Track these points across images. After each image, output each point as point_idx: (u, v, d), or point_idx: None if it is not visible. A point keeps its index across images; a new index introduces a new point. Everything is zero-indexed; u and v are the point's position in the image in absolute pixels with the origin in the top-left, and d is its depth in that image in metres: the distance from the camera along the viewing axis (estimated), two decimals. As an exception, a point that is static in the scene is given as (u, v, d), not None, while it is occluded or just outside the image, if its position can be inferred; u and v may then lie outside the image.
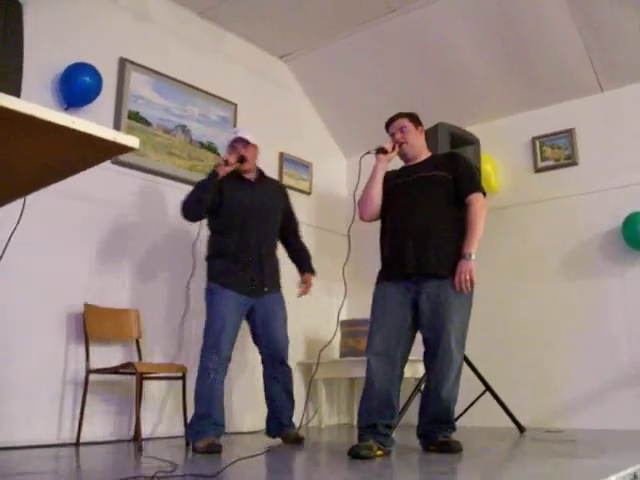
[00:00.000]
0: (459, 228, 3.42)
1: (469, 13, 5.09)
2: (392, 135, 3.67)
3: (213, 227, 4.03)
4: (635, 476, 2.38)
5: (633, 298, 4.87)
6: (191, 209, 3.89)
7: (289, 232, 4.25)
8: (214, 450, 3.46)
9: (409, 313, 3.37)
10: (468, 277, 3.25)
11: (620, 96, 5.23)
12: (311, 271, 4.27)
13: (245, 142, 4.02)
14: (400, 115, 3.69)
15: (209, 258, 3.99)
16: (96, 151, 1.47)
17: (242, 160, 3.94)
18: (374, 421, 3.22)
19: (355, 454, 3.04)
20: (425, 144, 3.73)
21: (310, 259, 4.30)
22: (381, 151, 3.56)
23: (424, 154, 3.67)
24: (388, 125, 3.72)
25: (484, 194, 3.50)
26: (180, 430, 4.05)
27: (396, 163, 3.70)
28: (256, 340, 4.01)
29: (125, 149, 1.43)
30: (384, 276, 3.50)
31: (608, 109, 5.27)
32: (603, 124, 5.28)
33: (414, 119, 3.69)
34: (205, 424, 3.62)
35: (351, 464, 2.91)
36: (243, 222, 3.91)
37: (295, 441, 3.90)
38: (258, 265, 3.89)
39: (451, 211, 3.45)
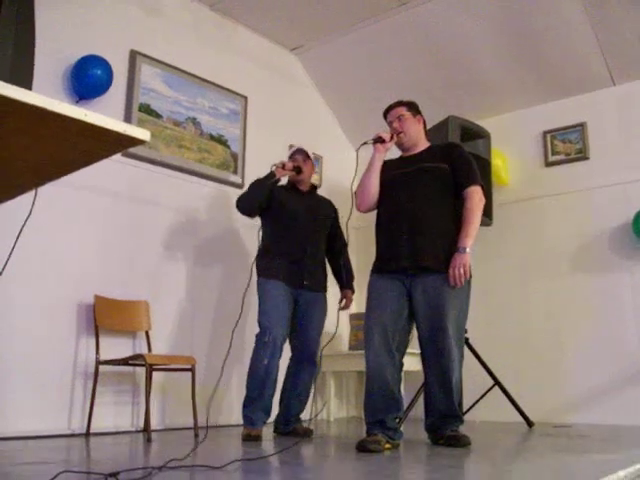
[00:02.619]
0: (456, 221, 3.38)
1: (480, 6, 5.06)
2: (390, 123, 3.63)
3: (264, 228, 4.21)
4: (644, 471, 2.38)
5: (643, 293, 4.86)
6: (245, 204, 4.12)
7: (335, 251, 4.38)
8: (252, 439, 3.70)
9: (405, 305, 3.35)
10: (462, 271, 3.21)
11: (633, 90, 5.20)
12: (350, 288, 4.41)
13: (305, 155, 4.26)
14: (398, 103, 3.65)
15: (258, 255, 4.16)
16: (108, 144, 1.48)
17: (298, 170, 4.18)
18: (381, 416, 3.23)
19: (363, 448, 3.04)
20: (423, 133, 3.67)
21: (352, 278, 4.44)
22: (379, 140, 3.52)
23: (422, 144, 3.63)
24: (386, 113, 3.68)
25: (482, 187, 3.45)
26: (189, 421, 4.06)
27: (395, 152, 3.67)
28: (290, 333, 4.09)
29: (136, 142, 1.44)
30: (378, 269, 3.48)
31: (620, 103, 5.24)
32: (615, 118, 5.25)
33: (412, 108, 3.64)
34: (254, 409, 3.82)
35: (360, 457, 2.91)
36: (290, 224, 4.10)
37: (304, 434, 3.93)
38: (301, 261, 4.06)
39: (448, 203, 3.42)
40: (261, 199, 4.07)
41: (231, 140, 5.27)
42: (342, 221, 4.17)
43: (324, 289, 4.22)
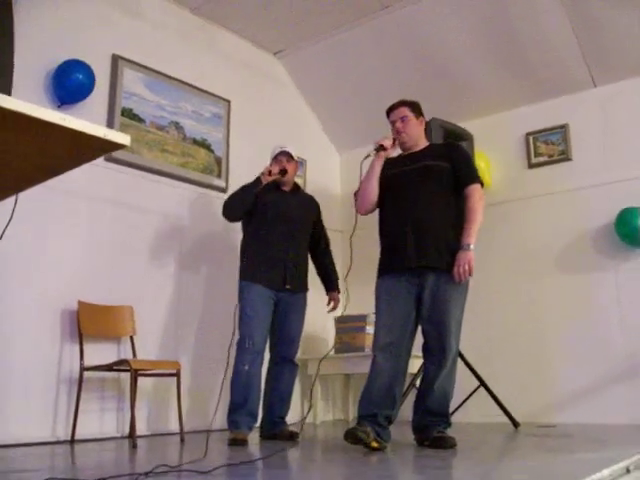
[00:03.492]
0: (458, 219, 3.42)
1: (462, 9, 5.08)
2: (392, 123, 3.64)
3: (246, 229, 4.24)
4: (628, 470, 2.39)
5: (626, 292, 4.89)
6: (231, 210, 4.16)
7: (319, 248, 4.42)
8: (239, 443, 3.68)
9: (413, 307, 3.39)
10: (467, 267, 3.26)
11: (613, 91, 5.24)
12: (336, 289, 4.44)
13: (289, 156, 4.27)
14: (402, 103, 3.66)
15: (241, 258, 4.18)
16: (88, 148, 1.47)
17: (284, 173, 4.19)
18: (375, 411, 3.25)
19: (351, 435, 3.06)
20: (424, 134, 3.71)
21: (337, 278, 4.47)
22: (381, 149, 3.54)
23: (422, 143, 3.66)
24: (389, 112, 3.68)
25: (482, 184, 3.50)
26: (175, 427, 4.05)
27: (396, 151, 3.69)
28: (270, 334, 4.12)
29: (116, 146, 1.43)
30: (385, 269, 3.50)
31: (601, 104, 5.28)
32: (597, 119, 5.28)
33: (416, 109, 3.66)
34: (240, 414, 3.85)
35: (346, 460, 2.91)
36: (273, 226, 4.11)
37: (289, 437, 3.92)
38: (283, 263, 4.08)
39: (450, 201, 3.46)
40: (247, 206, 4.10)
41: (214, 144, 5.26)
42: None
43: (305, 289, 4.25)
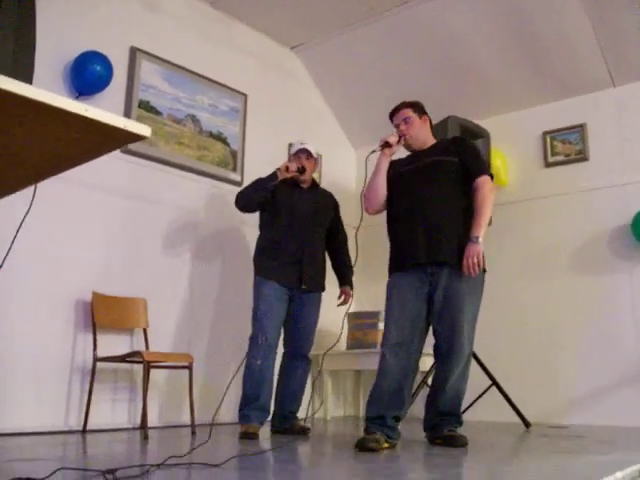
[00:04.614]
0: (469, 213, 3.37)
1: (481, 6, 5.05)
2: (397, 126, 3.62)
3: (262, 225, 4.24)
4: (641, 473, 2.38)
5: (642, 295, 4.86)
6: (244, 201, 4.12)
7: (335, 245, 4.40)
8: (249, 437, 3.68)
9: (424, 305, 3.35)
10: (476, 260, 3.20)
11: (633, 92, 5.20)
12: (350, 285, 4.39)
13: (308, 154, 4.25)
14: (404, 105, 3.64)
15: (255, 254, 4.19)
16: (108, 139, 1.47)
17: (302, 170, 4.16)
18: (382, 412, 3.22)
19: (362, 447, 3.04)
20: (430, 132, 3.67)
21: (351, 274, 4.40)
22: (386, 145, 3.51)
23: (430, 142, 3.63)
24: (392, 115, 3.67)
25: (491, 177, 3.46)
26: (187, 419, 4.06)
27: (403, 151, 3.67)
28: (284, 330, 4.14)
29: (136, 137, 1.44)
30: (397, 266, 3.47)
31: (620, 105, 5.24)
32: (615, 120, 5.24)
33: (418, 109, 3.63)
34: (251, 409, 3.85)
35: (357, 456, 2.91)
36: (289, 223, 4.10)
37: (301, 432, 3.93)
38: (298, 263, 4.05)
39: (459, 196, 3.41)
40: (260, 200, 4.09)
41: (230, 138, 5.26)
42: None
43: (322, 289, 4.23)
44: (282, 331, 4.10)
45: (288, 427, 4.02)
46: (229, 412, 4.57)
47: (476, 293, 3.36)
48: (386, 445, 3.13)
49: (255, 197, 4.09)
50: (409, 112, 3.60)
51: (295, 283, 4.04)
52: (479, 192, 3.37)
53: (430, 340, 3.43)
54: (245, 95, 5.46)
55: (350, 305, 4.19)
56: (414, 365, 3.35)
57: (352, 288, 4.41)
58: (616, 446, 3.49)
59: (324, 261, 4.30)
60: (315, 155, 4.33)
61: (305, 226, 4.13)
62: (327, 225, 4.31)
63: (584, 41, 5.02)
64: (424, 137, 3.61)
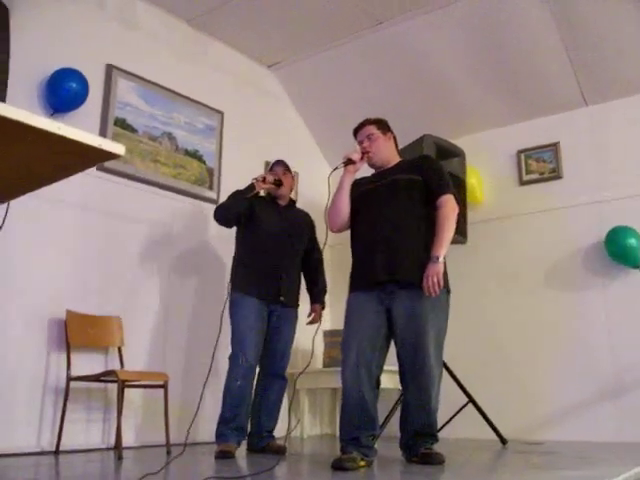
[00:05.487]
0: (430, 232, 3.33)
1: (455, 27, 5.12)
2: (360, 143, 3.61)
3: (239, 241, 4.20)
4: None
5: (615, 311, 4.91)
6: (223, 213, 4.10)
7: (311, 265, 4.37)
8: (225, 456, 3.63)
9: (384, 323, 3.31)
10: (435, 280, 3.14)
11: (605, 111, 5.28)
12: (321, 303, 4.38)
13: (285, 167, 4.24)
14: (368, 122, 3.63)
15: (233, 268, 4.12)
16: (82, 157, 1.47)
17: (279, 183, 4.13)
18: (357, 434, 3.20)
19: (339, 466, 3.01)
20: (395, 150, 3.65)
21: (324, 294, 4.42)
22: (349, 163, 3.49)
23: (394, 159, 3.61)
24: (356, 132, 3.65)
25: (455, 196, 3.42)
26: (162, 438, 4.02)
27: (369, 170, 3.66)
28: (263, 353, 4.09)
29: (110, 156, 1.43)
30: (356, 284, 3.45)
31: (593, 123, 5.32)
32: (588, 138, 5.32)
33: (382, 126, 3.62)
34: (229, 428, 3.81)
35: (334, 476, 2.89)
36: (267, 240, 4.08)
37: (277, 451, 3.90)
38: (277, 277, 4.04)
39: (421, 215, 3.38)
40: (239, 211, 4.05)
41: (207, 155, 5.26)
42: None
43: (297, 304, 4.22)
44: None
45: (265, 446, 3.99)
46: (206, 431, 4.53)
47: (439, 313, 3.29)
48: (363, 464, 3.11)
49: (234, 209, 4.05)
50: (373, 129, 3.58)
51: (274, 296, 4.01)
52: (440, 211, 3.34)
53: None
54: (221, 113, 5.47)
55: (319, 325, 4.08)
56: (376, 382, 3.32)
57: (323, 307, 4.40)
58: (590, 462, 3.50)
59: (299, 278, 4.28)
60: (292, 171, 4.31)
61: (283, 242, 4.11)
62: (304, 244, 4.30)
63: (556, 61, 5.10)
64: (388, 154, 3.59)
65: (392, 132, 3.67)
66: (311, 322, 4.32)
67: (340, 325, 5.37)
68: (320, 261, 4.40)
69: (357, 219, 3.52)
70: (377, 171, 3.63)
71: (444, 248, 3.24)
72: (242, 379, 3.82)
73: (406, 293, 3.25)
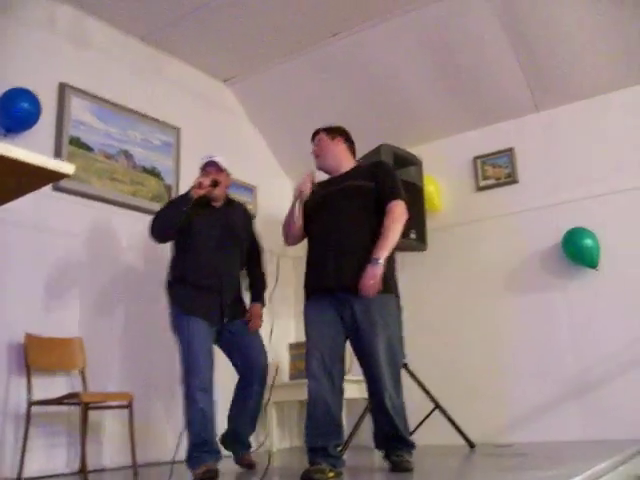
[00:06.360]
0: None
1: (409, 36, 5.18)
2: (313, 151, 3.70)
3: (175, 251, 3.97)
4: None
5: (576, 311, 4.98)
6: (160, 230, 3.85)
7: (250, 259, 4.16)
8: (211, 476, 3.45)
9: (341, 330, 3.34)
10: (372, 282, 3.17)
11: (555, 116, 5.39)
12: (259, 301, 4.11)
13: (217, 167, 3.98)
14: (317, 131, 3.73)
15: (170, 283, 3.92)
16: (32, 178, 1.45)
17: (215, 184, 3.88)
18: (324, 444, 3.20)
19: (308, 478, 3.01)
20: (346, 154, 3.67)
21: (263, 289, 4.16)
22: (300, 195, 3.51)
23: (347, 164, 3.64)
24: (312, 142, 3.75)
25: (406, 202, 3.44)
26: (128, 460, 3.96)
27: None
28: (233, 363, 3.96)
29: (61, 176, 1.42)
30: (309, 292, 3.47)
31: (545, 128, 5.42)
32: (540, 143, 5.42)
33: (331, 131, 3.69)
34: (203, 452, 3.58)
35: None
36: (204, 249, 3.84)
37: (248, 466, 3.86)
38: (218, 295, 3.82)
39: (372, 221, 3.38)
40: (177, 225, 3.79)
41: (164, 172, 5.23)
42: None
43: (244, 315, 4.00)
44: (232, 364, 3.94)
45: (238, 457, 3.94)
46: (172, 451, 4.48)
47: (388, 318, 3.31)
48: (332, 475, 3.10)
49: (170, 223, 3.80)
50: (321, 135, 3.68)
51: (216, 317, 3.80)
52: (388, 216, 3.35)
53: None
54: (178, 129, 5.44)
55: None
56: (339, 389, 3.33)
57: (264, 305, 4.11)
58: (558, 461, 3.55)
59: (240, 286, 4.07)
60: (224, 168, 4.03)
61: (221, 248, 3.87)
62: (245, 242, 4.09)
63: (508, 69, 5.19)
64: (336, 158, 3.64)
65: (345, 137, 3.71)
66: (251, 327, 4.00)
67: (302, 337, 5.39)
68: (259, 253, 4.23)
69: (311, 227, 3.56)
70: (331, 176, 3.66)
71: (385, 251, 3.24)
72: (203, 403, 3.62)
73: (355, 299, 3.27)
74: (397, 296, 3.42)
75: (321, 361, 3.27)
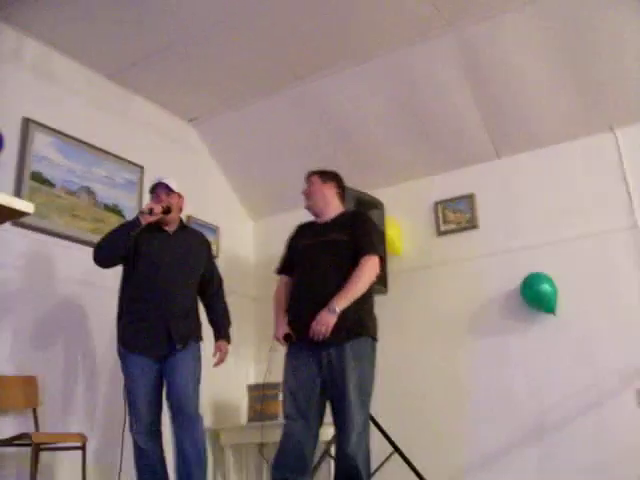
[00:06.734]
0: None
1: (373, 82, 5.28)
2: (303, 191, 3.80)
3: (122, 281, 3.83)
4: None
5: (533, 356, 5.02)
6: (102, 255, 3.73)
7: (210, 293, 4.02)
8: None
9: (318, 377, 3.39)
10: (323, 328, 3.26)
11: (515, 163, 5.50)
12: (225, 338, 3.99)
13: (168, 189, 3.84)
14: (312, 172, 3.83)
15: (118, 316, 3.79)
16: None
17: (168, 211, 3.75)
18: (287, 476, 3.23)
19: None
20: (334, 200, 3.77)
21: (228, 325, 4.06)
22: (287, 340, 3.53)
23: (333, 210, 3.74)
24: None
25: (381, 257, 3.56)
26: (80, 504, 3.85)
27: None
28: (166, 399, 3.72)
29: (20, 214, 1.41)
30: (291, 341, 3.53)
31: (505, 175, 5.53)
32: (500, 189, 5.52)
33: (324, 175, 3.80)
34: None
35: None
36: (151, 276, 3.68)
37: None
38: (165, 327, 3.62)
39: (347, 274, 3.44)
40: (123, 251, 3.65)
41: (126, 210, 5.20)
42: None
43: (199, 339, 3.82)
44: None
45: None
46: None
47: (362, 360, 3.37)
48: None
49: (113, 249, 3.67)
50: (315, 177, 3.79)
51: (164, 350, 3.61)
52: (357, 267, 3.44)
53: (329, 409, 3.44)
54: (142, 167, 5.43)
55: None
56: (315, 433, 3.39)
57: (229, 342, 4.01)
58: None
59: (196, 313, 3.88)
60: (176, 190, 3.89)
61: (171, 277, 3.70)
62: (200, 270, 3.92)
63: (470, 116, 5.31)
64: (323, 202, 3.73)
65: (337, 184, 3.82)
66: (218, 363, 3.94)
67: (268, 379, 5.35)
68: (220, 284, 4.09)
69: (295, 275, 3.66)
70: (317, 221, 3.76)
71: (344, 301, 3.32)
72: (144, 442, 3.54)
73: (332, 347, 3.35)
74: (374, 338, 3.49)
75: (297, 406, 3.35)
